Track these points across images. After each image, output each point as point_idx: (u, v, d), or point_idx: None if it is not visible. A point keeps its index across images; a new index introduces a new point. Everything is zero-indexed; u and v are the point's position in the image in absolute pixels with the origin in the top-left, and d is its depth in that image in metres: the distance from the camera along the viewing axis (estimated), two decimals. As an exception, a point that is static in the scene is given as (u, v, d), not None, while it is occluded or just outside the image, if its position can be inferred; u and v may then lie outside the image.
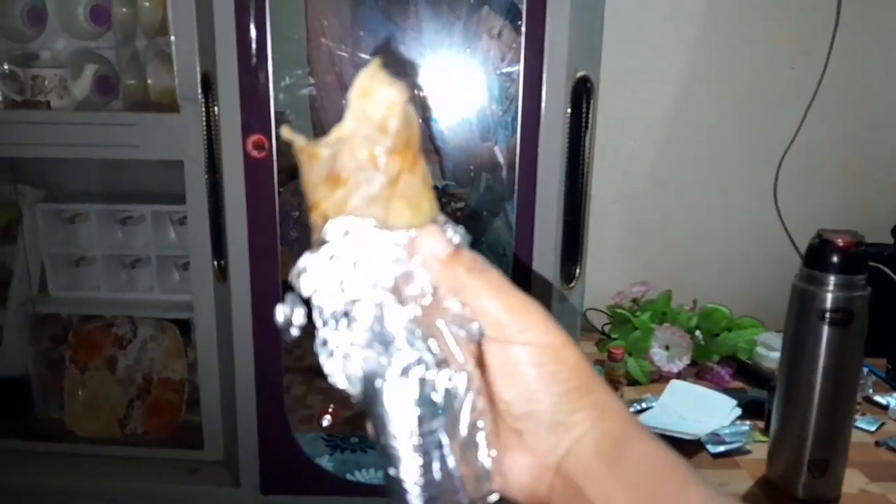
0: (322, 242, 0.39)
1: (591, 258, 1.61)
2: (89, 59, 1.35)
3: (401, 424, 0.38)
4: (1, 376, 1.47)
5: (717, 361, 1.52)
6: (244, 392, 1.28)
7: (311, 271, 0.39)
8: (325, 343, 0.39)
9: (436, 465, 0.38)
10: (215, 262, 1.29)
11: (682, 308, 1.59)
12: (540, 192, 1.19)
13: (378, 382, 0.38)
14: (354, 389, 0.39)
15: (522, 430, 0.40)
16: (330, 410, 1.24)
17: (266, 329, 1.25)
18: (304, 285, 0.39)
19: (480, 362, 0.41)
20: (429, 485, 0.38)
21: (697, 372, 1.50)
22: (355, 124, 0.39)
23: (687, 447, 1.18)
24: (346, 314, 0.38)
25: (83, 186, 1.51)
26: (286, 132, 0.41)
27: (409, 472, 0.38)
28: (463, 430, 0.39)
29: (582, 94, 1.24)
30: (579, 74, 1.22)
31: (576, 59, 1.18)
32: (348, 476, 1.33)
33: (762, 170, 1.66)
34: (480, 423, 0.40)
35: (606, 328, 1.66)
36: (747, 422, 1.26)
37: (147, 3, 1.34)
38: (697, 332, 1.55)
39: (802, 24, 1.58)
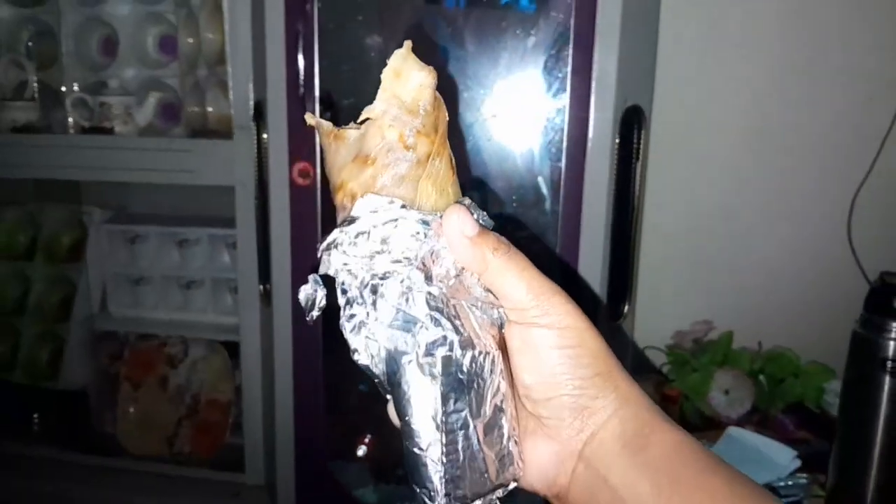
0: (350, 220, 0.39)
1: (650, 293, 1.55)
2: (154, 87, 1.41)
3: (425, 402, 0.38)
4: (62, 389, 1.53)
5: (781, 409, 1.42)
6: (283, 417, 1.29)
7: (341, 246, 0.39)
8: (351, 317, 0.39)
9: (460, 444, 0.38)
10: (262, 286, 1.30)
11: (744, 350, 1.50)
12: (585, 225, 1.16)
13: (403, 359, 0.38)
14: (377, 369, 0.39)
15: (543, 415, 0.40)
16: (366, 441, 1.22)
17: (307, 353, 1.26)
18: (335, 259, 0.39)
19: (502, 346, 0.41)
20: (452, 463, 0.38)
21: (759, 419, 1.41)
22: (385, 105, 0.39)
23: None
24: (374, 289, 0.38)
25: (144, 209, 1.57)
26: (310, 118, 0.41)
27: (433, 448, 0.38)
28: (487, 411, 0.39)
29: (633, 123, 1.21)
30: (629, 104, 1.18)
31: (625, 88, 1.15)
32: (390, 509, 1.31)
33: (834, 205, 1.55)
34: (504, 406, 0.40)
35: (665, 368, 1.59)
36: (805, 474, 1.17)
37: (210, 35, 1.39)
38: (761, 377, 1.46)
39: (877, 55, 1.49)
